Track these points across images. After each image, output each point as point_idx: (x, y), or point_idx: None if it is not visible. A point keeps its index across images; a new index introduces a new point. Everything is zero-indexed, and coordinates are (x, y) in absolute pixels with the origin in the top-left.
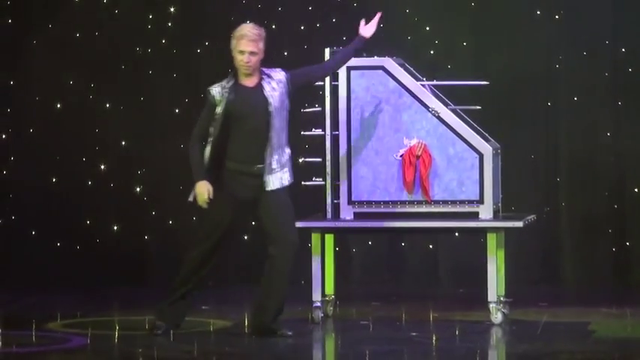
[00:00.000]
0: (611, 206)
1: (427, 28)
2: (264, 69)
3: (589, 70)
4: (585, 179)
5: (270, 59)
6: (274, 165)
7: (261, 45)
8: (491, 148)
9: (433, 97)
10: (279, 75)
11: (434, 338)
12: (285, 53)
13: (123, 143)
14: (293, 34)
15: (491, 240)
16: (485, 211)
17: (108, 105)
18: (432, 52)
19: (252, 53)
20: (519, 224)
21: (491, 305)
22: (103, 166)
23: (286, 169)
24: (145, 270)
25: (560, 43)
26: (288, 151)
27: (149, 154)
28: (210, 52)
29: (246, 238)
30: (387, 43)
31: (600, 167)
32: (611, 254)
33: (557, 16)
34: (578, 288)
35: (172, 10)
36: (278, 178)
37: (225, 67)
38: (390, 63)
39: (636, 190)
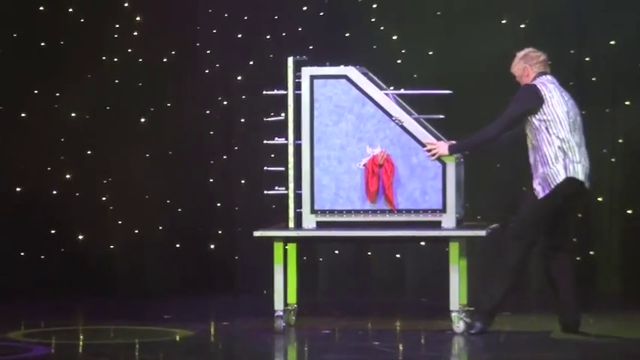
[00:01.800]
0: (575, 215)
1: (394, 38)
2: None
3: None
4: None
5: (235, 68)
6: None
7: (516, 69)
8: (454, 157)
9: (397, 107)
10: None
11: (397, 347)
12: (251, 62)
13: (88, 152)
14: (259, 43)
15: (454, 249)
16: (448, 220)
17: (73, 114)
18: (398, 61)
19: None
20: (482, 233)
21: (453, 314)
22: (68, 176)
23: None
24: (110, 279)
25: None
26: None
27: (115, 163)
28: (177, 61)
29: (212, 247)
30: (352, 52)
31: None
32: (576, 263)
33: (522, 25)
34: (541, 296)
35: (139, 19)
36: None
37: (191, 77)
38: (353, 72)
39: (600, 199)
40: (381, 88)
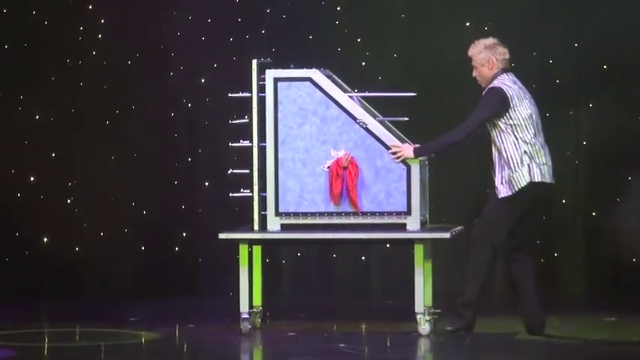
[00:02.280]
0: (539, 217)
1: (358, 40)
2: (497, 79)
3: None
4: None
5: (199, 71)
6: None
7: (479, 57)
8: (418, 159)
9: (361, 109)
10: (485, 90)
11: (363, 350)
12: (215, 65)
13: (53, 155)
14: (222, 45)
15: (419, 251)
16: (413, 223)
17: (37, 116)
18: (362, 63)
19: (474, 68)
20: (446, 235)
21: (418, 316)
22: (32, 178)
23: None
24: (75, 282)
25: None
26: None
27: (80, 165)
28: (141, 63)
29: (177, 249)
30: (317, 54)
31: None
32: (539, 265)
33: (485, 28)
34: (505, 299)
35: (103, 21)
36: None
37: (155, 79)
38: (317, 74)
39: (564, 201)
40: (345, 91)
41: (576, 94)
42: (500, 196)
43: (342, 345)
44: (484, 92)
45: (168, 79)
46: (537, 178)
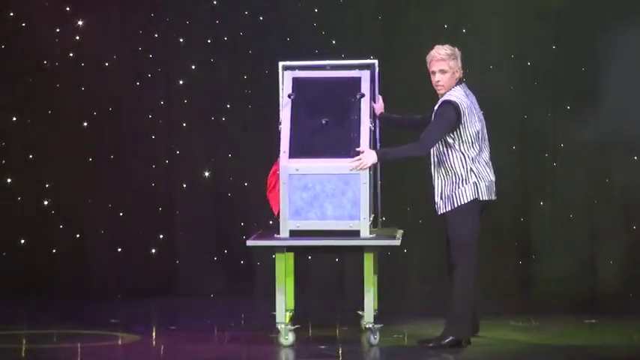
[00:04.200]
0: (518, 219)
1: (333, 42)
2: (452, 89)
3: (495, 84)
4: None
5: (179, 72)
6: None
7: (451, 63)
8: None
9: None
10: (441, 100)
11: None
12: (193, 67)
13: (30, 157)
14: (201, 47)
15: (368, 259)
16: (364, 229)
17: (14, 118)
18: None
19: (441, 72)
20: (397, 243)
21: (365, 325)
22: (9, 180)
23: None
24: (51, 283)
25: (466, 56)
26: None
27: (57, 167)
28: (118, 65)
29: (153, 251)
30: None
31: (506, 180)
32: (517, 267)
33: (464, 30)
34: (483, 301)
35: (80, 23)
36: None
37: (133, 80)
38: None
39: (542, 203)
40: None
41: (554, 97)
42: (440, 212)
43: (323, 347)
44: (439, 105)
45: (146, 80)
46: (484, 197)
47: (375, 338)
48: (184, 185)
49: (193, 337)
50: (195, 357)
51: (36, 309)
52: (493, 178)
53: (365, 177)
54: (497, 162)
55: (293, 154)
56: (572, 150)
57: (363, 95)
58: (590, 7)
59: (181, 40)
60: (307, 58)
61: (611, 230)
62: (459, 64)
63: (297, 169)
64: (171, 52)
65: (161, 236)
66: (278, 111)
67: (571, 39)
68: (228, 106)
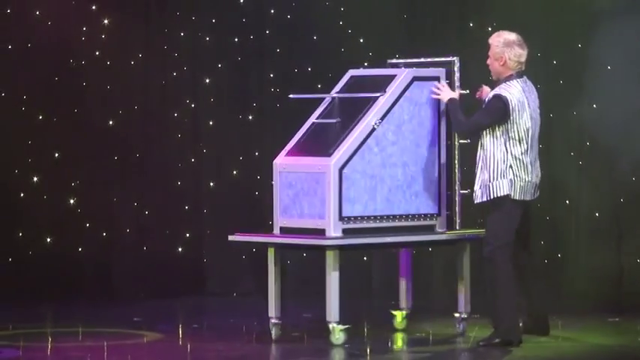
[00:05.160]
0: (544, 218)
1: (360, 41)
2: (508, 82)
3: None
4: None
5: (205, 71)
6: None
7: (496, 50)
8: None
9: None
10: (492, 93)
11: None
12: (219, 65)
13: (56, 155)
14: (227, 45)
15: (330, 257)
16: (328, 229)
17: (41, 117)
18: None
19: (489, 57)
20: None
21: (331, 325)
22: (35, 178)
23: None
24: (78, 282)
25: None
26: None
27: (83, 166)
28: (144, 64)
29: (180, 250)
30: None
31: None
32: (543, 266)
33: (489, 28)
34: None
35: (106, 22)
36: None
37: (159, 79)
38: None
39: (567, 202)
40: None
41: (579, 96)
42: (476, 201)
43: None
44: (491, 97)
45: (172, 79)
46: (517, 196)
47: (337, 339)
48: (211, 184)
49: (218, 336)
50: (219, 355)
51: (62, 307)
52: (533, 179)
53: (330, 176)
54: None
55: (290, 153)
56: (598, 149)
57: (383, 94)
58: (616, 3)
59: (207, 38)
60: (333, 56)
61: (637, 228)
62: (506, 53)
63: (284, 167)
64: (198, 50)
65: (187, 235)
66: (304, 109)
67: (597, 37)
68: (255, 104)
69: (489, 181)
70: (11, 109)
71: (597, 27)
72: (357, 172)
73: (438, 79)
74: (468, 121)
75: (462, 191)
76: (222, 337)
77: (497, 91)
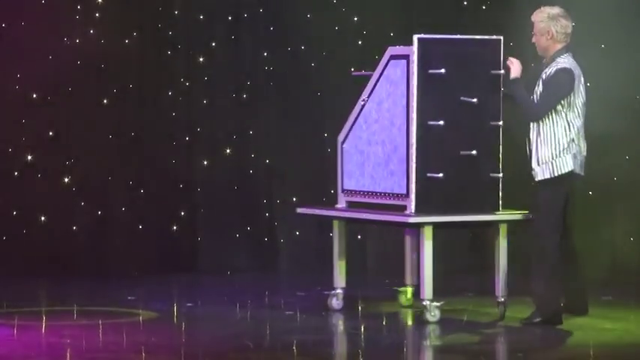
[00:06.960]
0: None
1: (355, 19)
2: (562, 57)
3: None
4: None
5: (199, 49)
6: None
7: (540, 25)
8: None
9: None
10: (554, 68)
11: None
12: (213, 44)
13: (50, 133)
14: (221, 24)
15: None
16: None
17: (35, 95)
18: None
19: (533, 33)
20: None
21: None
22: (30, 157)
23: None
24: (73, 261)
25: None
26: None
27: (77, 144)
28: (139, 42)
29: (175, 228)
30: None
31: None
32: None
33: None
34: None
35: (100, 0)
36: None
37: (153, 57)
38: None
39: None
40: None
41: None
42: (537, 179)
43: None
44: (553, 74)
45: (166, 57)
46: (578, 170)
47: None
48: (205, 162)
49: (213, 314)
50: (213, 334)
51: (56, 286)
52: (585, 154)
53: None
54: None
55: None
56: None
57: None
58: None
59: (201, 16)
60: (328, 35)
61: None
62: (552, 26)
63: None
64: (192, 28)
65: (182, 213)
66: (299, 87)
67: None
68: (249, 82)
69: (552, 158)
70: (4, 87)
71: None
72: (352, 148)
73: (407, 57)
74: (539, 104)
75: (494, 174)
76: (217, 315)
77: (559, 66)
